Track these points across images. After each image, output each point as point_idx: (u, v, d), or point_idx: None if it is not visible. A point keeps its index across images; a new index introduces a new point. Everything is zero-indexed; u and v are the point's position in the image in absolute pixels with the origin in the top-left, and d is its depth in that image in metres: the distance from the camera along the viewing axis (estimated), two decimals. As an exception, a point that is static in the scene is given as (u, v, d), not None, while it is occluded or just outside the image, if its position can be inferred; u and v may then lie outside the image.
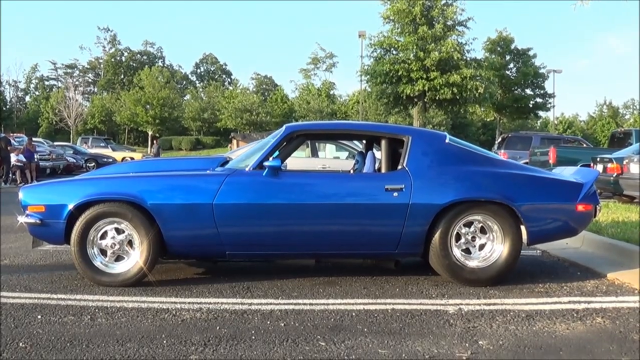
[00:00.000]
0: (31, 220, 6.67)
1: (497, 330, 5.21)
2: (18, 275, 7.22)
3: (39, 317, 5.49)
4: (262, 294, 6.37)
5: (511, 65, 56.73)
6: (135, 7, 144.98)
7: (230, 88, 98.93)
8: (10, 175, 25.55)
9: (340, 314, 5.63)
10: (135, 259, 6.56)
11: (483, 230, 6.77)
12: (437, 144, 7.07)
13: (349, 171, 8.47)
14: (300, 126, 7.54)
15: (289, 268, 7.70)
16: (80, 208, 6.54)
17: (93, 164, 38.43)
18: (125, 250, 6.62)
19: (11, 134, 29.05)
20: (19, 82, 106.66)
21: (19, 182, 25.13)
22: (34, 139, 31.95)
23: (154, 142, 53.68)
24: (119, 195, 6.53)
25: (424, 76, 40.07)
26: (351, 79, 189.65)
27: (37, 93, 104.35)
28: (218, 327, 5.21)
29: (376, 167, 7.39)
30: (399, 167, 6.83)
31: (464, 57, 41.20)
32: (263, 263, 7.92)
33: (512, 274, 6.91)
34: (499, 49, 56.13)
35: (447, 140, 7.12)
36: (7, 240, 9.82)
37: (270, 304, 5.98)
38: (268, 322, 5.37)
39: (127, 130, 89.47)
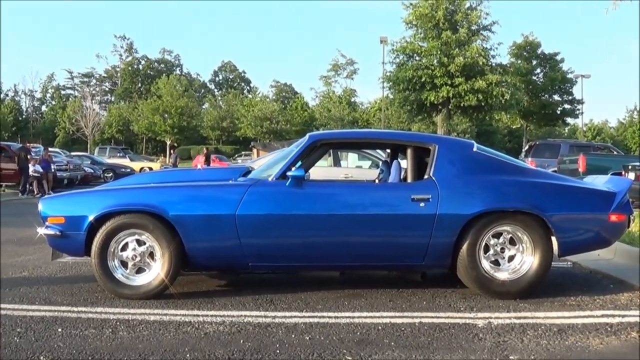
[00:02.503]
0: (51, 231, 6.72)
1: (528, 345, 5.18)
2: (37, 287, 7.28)
3: (60, 330, 5.52)
4: (286, 306, 6.38)
5: (538, 70, 56.51)
6: (152, 14, 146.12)
7: (250, 96, 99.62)
8: (27, 186, 25.71)
9: (367, 328, 5.62)
10: (156, 271, 6.60)
11: (512, 242, 6.73)
12: (464, 152, 7.05)
13: (374, 181, 8.47)
14: (324, 135, 7.56)
15: (313, 280, 7.70)
16: (101, 219, 6.58)
17: (111, 174, 38.56)
18: (147, 262, 6.65)
19: (27, 144, 29.21)
20: (35, 91, 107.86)
21: (35, 192, 25.25)
22: (50, 149, 32.20)
23: (172, 151, 53.89)
24: (140, 206, 6.58)
25: (448, 82, 40.03)
26: (373, 86, 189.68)
27: (53, 102, 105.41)
28: (242, 341, 5.22)
29: (402, 177, 7.39)
30: (426, 176, 6.82)
31: (489, 63, 41.14)
32: (287, 275, 7.93)
33: (542, 287, 6.86)
34: (525, 53, 55.93)
35: (474, 149, 7.10)
36: (26, 252, 9.91)
37: (295, 317, 5.98)
38: (292, 336, 5.38)
39: (144, 140, 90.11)
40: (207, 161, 39.36)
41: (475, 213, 6.55)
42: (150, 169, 41.98)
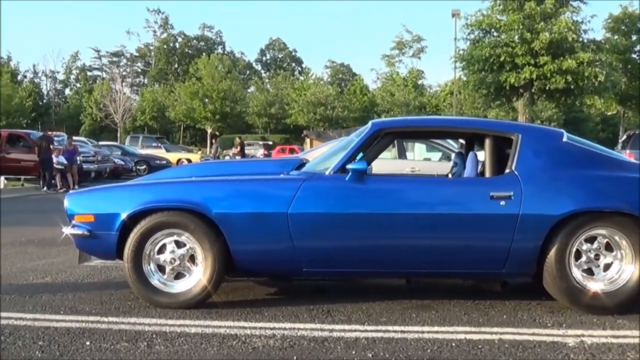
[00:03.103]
0: (78, 231, 6.82)
1: (627, 367, 5.12)
2: (62, 295, 7.40)
3: (88, 343, 5.60)
4: (345, 318, 6.39)
5: (638, 47, 55.49)
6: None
7: (301, 78, 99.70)
8: (50, 179, 25.88)
9: (438, 344, 5.61)
10: (197, 277, 6.65)
11: (609, 247, 6.63)
12: (552, 142, 6.98)
13: (446, 175, 8.44)
14: (389, 123, 7.54)
15: (376, 289, 7.72)
16: (135, 218, 6.66)
17: (144, 166, 39.01)
18: (187, 266, 6.72)
19: (49, 132, 29.48)
20: (57, 72, 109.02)
21: (59, 187, 25.53)
22: (75, 138, 32.45)
23: (214, 141, 54.28)
24: (180, 202, 6.65)
25: (532, 62, 39.56)
26: (443, 67, 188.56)
27: (78, 85, 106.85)
28: (295, 357, 5.25)
29: (478, 171, 7.34)
30: (507, 170, 6.77)
31: (580, 39, 40.54)
32: (346, 282, 7.96)
33: (644, 300, 6.77)
34: (623, 27, 54.84)
35: (564, 139, 7.02)
36: (49, 255, 10.10)
37: (355, 330, 5.99)
38: (353, 352, 5.39)
39: (182, 128, 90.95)
40: (242, 152, 39.66)
41: (565, 213, 6.47)
42: (189, 160, 42.43)
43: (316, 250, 6.63)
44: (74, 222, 6.87)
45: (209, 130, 76.27)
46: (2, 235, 12.09)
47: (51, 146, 26.15)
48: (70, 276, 8.49)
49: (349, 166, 6.63)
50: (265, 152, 41.10)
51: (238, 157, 38.32)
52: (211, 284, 6.60)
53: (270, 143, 63.36)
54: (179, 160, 43.63)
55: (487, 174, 7.00)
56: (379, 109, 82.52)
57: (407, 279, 7.65)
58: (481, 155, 7.36)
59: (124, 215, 6.65)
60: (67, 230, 6.91)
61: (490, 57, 39.89)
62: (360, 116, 79.97)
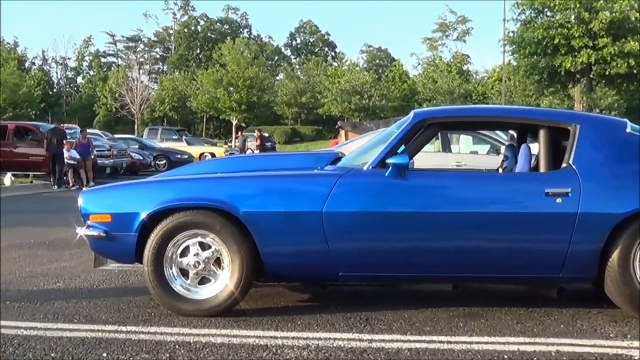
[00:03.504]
0: (94, 232, 6.87)
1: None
2: (76, 302, 7.43)
3: (105, 355, 5.63)
4: (385, 327, 6.39)
5: None
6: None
7: (335, 64, 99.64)
8: (62, 176, 26.06)
9: (488, 356, 5.59)
10: (224, 282, 6.67)
11: (678, 249, 6.57)
12: (614, 134, 6.93)
13: (496, 170, 8.39)
14: (433, 112, 7.51)
15: (419, 295, 7.71)
16: (156, 217, 6.69)
17: (164, 161, 39.14)
18: (212, 270, 6.73)
19: (61, 125, 29.46)
20: (69, 59, 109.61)
21: (71, 184, 25.80)
22: (89, 130, 32.56)
23: (239, 133, 54.43)
24: (205, 201, 6.67)
25: (590, 44, 39.32)
26: (491, 50, 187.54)
27: (91, 73, 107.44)
28: (331, 370, 5.25)
29: (532, 165, 7.30)
30: (563, 164, 6.73)
31: (644, 18, 40.18)
32: (386, 288, 7.95)
33: None
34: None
35: (627, 129, 6.96)
36: (61, 258, 10.18)
37: (397, 340, 5.99)
38: (394, 365, 5.38)
39: (205, 119, 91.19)
40: (262, 145, 39.80)
41: (629, 212, 6.42)
42: (213, 155, 42.49)
43: (353, 253, 6.64)
44: (88, 222, 6.92)
45: (234, 122, 76.37)
46: (10, 237, 12.19)
47: (64, 140, 26.24)
48: (84, 281, 8.53)
49: (388, 160, 6.61)
50: (258, 144, 41.36)
51: (257, 151, 38.52)
52: (239, 290, 6.60)
53: (267, 135, 63.19)
54: (201, 154, 43.76)
55: (542, 169, 6.96)
56: (420, 97, 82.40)
57: (453, 284, 7.62)
58: (534, 147, 7.32)
59: (143, 215, 6.68)
60: (82, 231, 6.95)
61: (544, 39, 39.69)
62: (399, 105, 79.85)
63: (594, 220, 6.43)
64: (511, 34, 43.09)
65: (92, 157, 27.83)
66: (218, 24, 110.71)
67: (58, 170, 25.73)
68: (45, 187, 25.71)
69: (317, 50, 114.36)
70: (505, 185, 6.89)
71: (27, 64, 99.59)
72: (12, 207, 17.96)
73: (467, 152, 18.04)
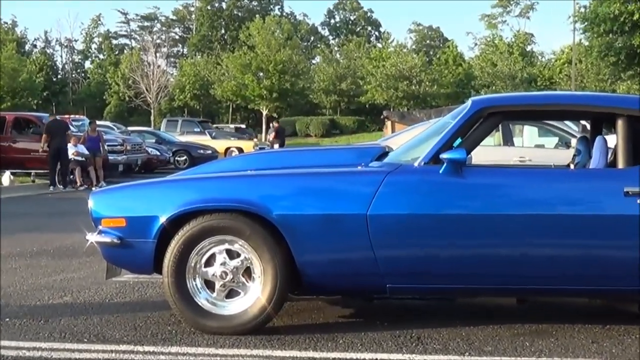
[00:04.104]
0: (106, 239, 6.89)
1: None
2: (86, 318, 7.46)
3: (121, 377, 5.68)
4: (440, 347, 6.39)
5: None
6: None
7: (379, 46, 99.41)
8: (67, 174, 25.97)
9: (559, 380, 5.57)
10: (255, 295, 6.67)
11: None
12: None
13: (566, 166, 8.35)
14: (494, 100, 7.48)
15: (479, 310, 7.71)
16: (177, 221, 6.70)
17: (184, 157, 39.32)
18: (241, 281, 6.74)
19: (67, 116, 29.36)
20: (75, 41, 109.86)
21: (78, 184, 25.82)
22: (98, 122, 32.59)
23: (271, 125, 54.42)
24: (233, 202, 6.68)
25: (675, 21, 38.98)
26: (559, 29, 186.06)
27: (101, 57, 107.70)
28: (378, 396, 5.26)
29: (608, 160, 7.26)
30: (645, 159, 6.68)
31: None
32: (440, 302, 7.94)
33: None
34: None
35: None
36: (68, 268, 10.21)
37: (453, 363, 5.99)
38: (451, 390, 5.38)
39: (231, 109, 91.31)
40: (280, 138, 39.81)
41: None
42: (241, 150, 42.55)
43: (402, 262, 6.63)
44: (100, 227, 6.95)
45: (265, 112, 76.49)
46: (10, 244, 12.22)
47: (67, 133, 26.13)
48: (95, 295, 8.57)
49: (443, 155, 6.57)
50: (274, 137, 41.55)
51: (276, 146, 38.56)
52: (272, 304, 6.60)
53: (244, 126, 62.90)
54: (227, 149, 43.91)
55: (620, 164, 6.90)
56: (478, 83, 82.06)
57: (518, 298, 7.57)
58: (611, 140, 7.27)
59: (163, 219, 6.69)
60: (92, 238, 6.98)
61: (621, 14, 39.38)
62: (453, 92, 79.69)
63: (681, 223, 6.38)
64: (583, 10, 42.90)
65: (103, 152, 27.59)
66: (246, 0, 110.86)
67: (63, 167, 25.60)
68: (47, 188, 25.50)
69: (358, 29, 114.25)
70: (577, 184, 6.84)
71: (27, 47, 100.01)
72: (11, 210, 18.04)
73: (532, 146, 18.00)
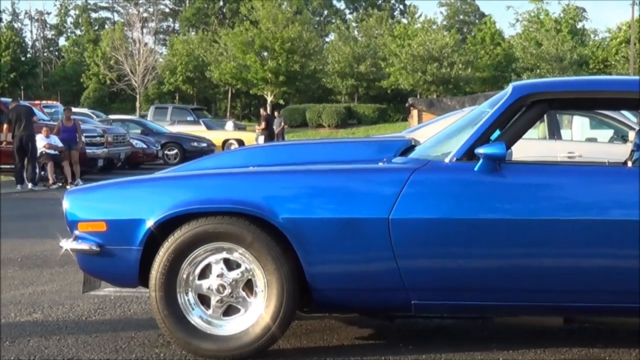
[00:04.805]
0: (83, 245, 6.88)
1: None
2: (58, 338, 7.47)
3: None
4: (475, 377, 6.39)
5: None
6: None
7: (405, 22, 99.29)
8: (37, 170, 25.95)
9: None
10: (257, 312, 6.66)
11: None
12: None
13: (623, 163, 8.35)
14: (539, 86, 7.47)
15: (519, 331, 7.70)
16: (167, 226, 6.68)
17: (175, 151, 39.37)
18: (242, 296, 6.73)
19: (37, 102, 29.11)
20: (48, 13, 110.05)
21: (51, 182, 25.78)
22: (74, 109, 32.66)
23: (277, 114, 54.33)
24: (232, 204, 6.66)
25: None
26: (615, 2, 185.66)
27: (78, 33, 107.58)
28: None
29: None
30: None
31: None
32: (473, 321, 7.91)
33: None
34: None
35: None
36: (39, 280, 10.21)
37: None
38: None
39: (230, 95, 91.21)
40: (269, 129, 39.76)
41: None
42: (241, 142, 42.56)
43: (430, 274, 6.61)
44: (76, 232, 6.94)
45: (269, 98, 76.41)
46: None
47: (34, 118, 25.83)
48: (70, 311, 8.58)
49: (479, 150, 6.52)
50: (262, 128, 41.55)
51: (261, 139, 38.61)
52: (277, 323, 6.58)
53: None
54: (225, 141, 43.91)
55: (688, 161, 6.90)
56: (519, 65, 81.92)
57: (565, 318, 7.50)
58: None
59: (150, 223, 6.68)
60: (67, 245, 6.96)
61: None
62: (491, 76, 79.64)
63: None
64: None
65: (80, 145, 27.63)
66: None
67: (32, 162, 25.40)
68: (14, 187, 25.29)
69: (380, 2, 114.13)
70: (636, 184, 6.82)
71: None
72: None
73: (582, 140, 17.97)
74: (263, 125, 40.87)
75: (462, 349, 6.98)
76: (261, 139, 39.23)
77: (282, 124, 46.59)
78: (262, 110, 46.29)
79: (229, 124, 48.10)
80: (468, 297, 6.72)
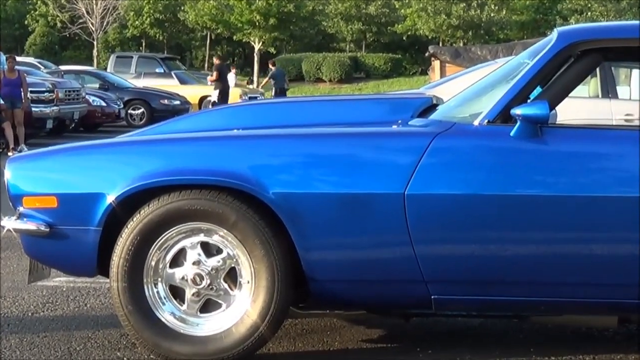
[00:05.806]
0: (30, 225, 6.87)
1: None
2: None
3: None
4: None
5: None
6: None
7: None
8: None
9: None
10: (243, 308, 6.65)
11: None
12: None
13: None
14: (589, 32, 7.44)
15: (560, 332, 7.72)
16: (132, 202, 6.67)
17: (141, 110, 39.32)
18: (223, 289, 6.72)
19: None
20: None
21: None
22: (18, 59, 32.52)
23: (270, 66, 54.06)
24: (211, 175, 6.63)
25: None
26: None
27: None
28: None
29: None
30: None
31: None
32: (506, 321, 7.93)
33: None
34: None
35: None
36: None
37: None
38: None
39: (209, 41, 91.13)
40: (223, 82, 38.94)
41: None
42: (222, 99, 42.42)
43: (454, 263, 6.60)
44: (21, 208, 6.92)
45: (257, 46, 76.28)
46: None
47: None
48: (13, 306, 8.57)
49: (516, 111, 6.45)
50: (213, 79, 40.67)
51: (213, 96, 38.00)
52: (266, 322, 6.57)
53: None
54: (202, 98, 43.82)
55: None
56: (566, 7, 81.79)
57: (620, 317, 7.50)
58: None
59: (111, 198, 6.63)
60: (9, 224, 6.94)
61: None
62: (530, 20, 79.59)
63: None
64: None
65: (24, 102, 27.46)
66: None
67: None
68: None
69: None
70: None
71: None
72: None
73: (641, 98, 17.96)
74: (215, 74, 39.30)
75: (492, 354, 7.00)
76: (215, 94, 38.07)
77: (276, 75, 46.43)
78: (215, 59, 45.03)
79: (231, 77, 46.84)
80: (500, 291, 6.70)
